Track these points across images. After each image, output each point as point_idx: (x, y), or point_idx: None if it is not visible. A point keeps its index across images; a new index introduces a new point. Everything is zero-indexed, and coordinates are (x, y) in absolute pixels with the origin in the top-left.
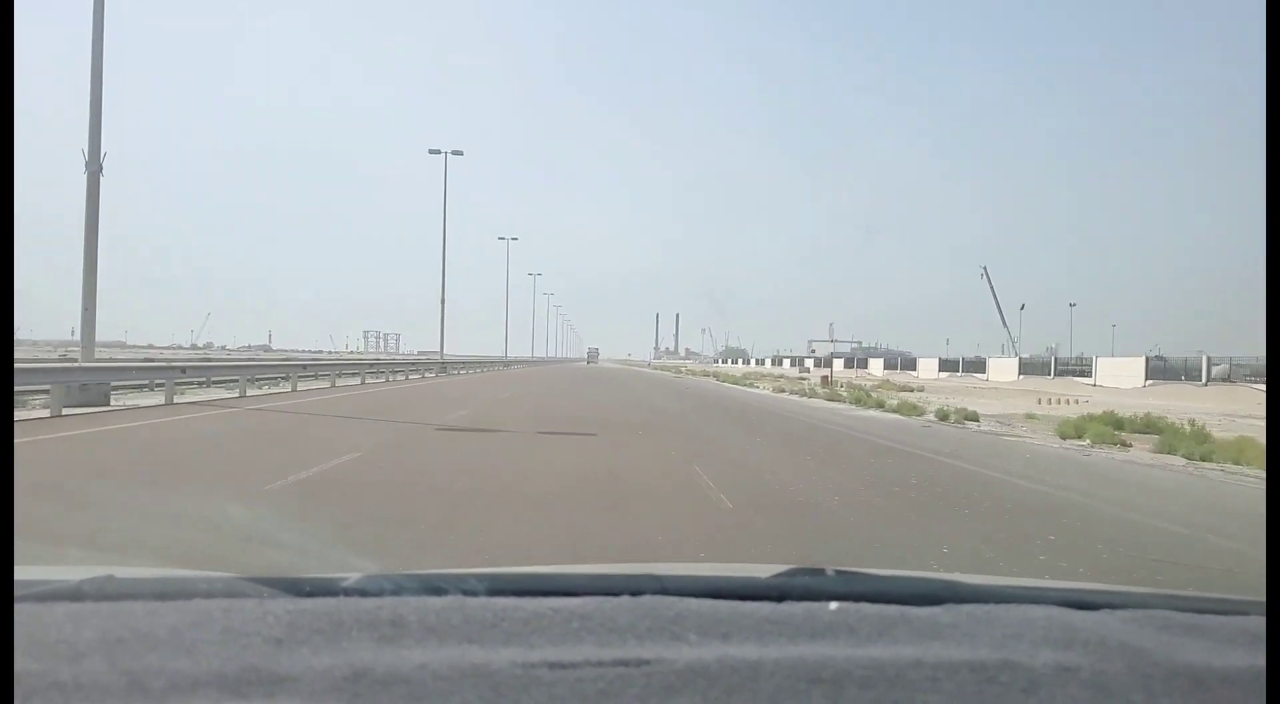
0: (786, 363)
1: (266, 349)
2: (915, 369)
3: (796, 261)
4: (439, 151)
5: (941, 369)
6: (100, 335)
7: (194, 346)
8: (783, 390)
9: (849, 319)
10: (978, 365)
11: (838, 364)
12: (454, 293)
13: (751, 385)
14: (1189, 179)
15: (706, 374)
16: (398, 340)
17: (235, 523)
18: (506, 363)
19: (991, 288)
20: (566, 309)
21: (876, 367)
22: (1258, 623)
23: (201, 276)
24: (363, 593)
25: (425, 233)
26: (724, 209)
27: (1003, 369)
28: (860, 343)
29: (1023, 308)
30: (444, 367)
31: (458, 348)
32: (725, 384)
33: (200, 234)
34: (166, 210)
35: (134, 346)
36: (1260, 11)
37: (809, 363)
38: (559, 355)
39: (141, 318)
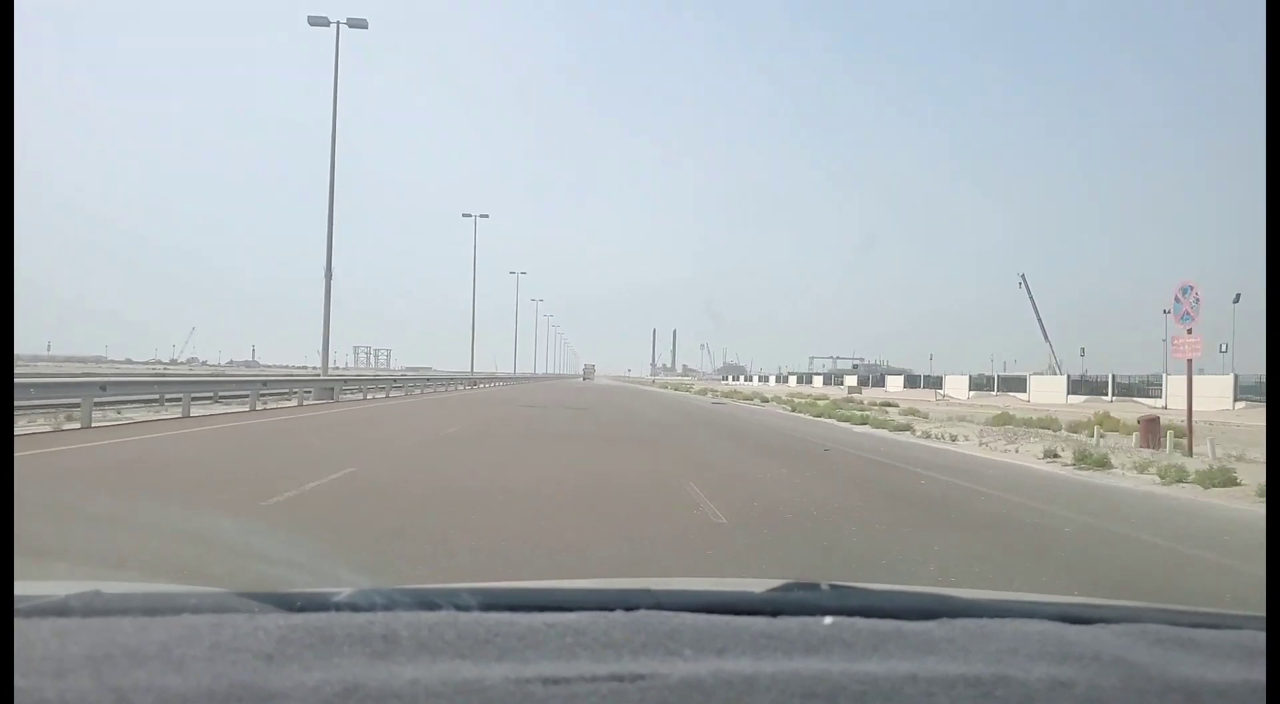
0: (818, 381)
1: (251, 364)
2: (1024, 390)
3: (792, 277)
4: (324, 22)
5: (1073, 391)
6: (81, 350)
7: (173, 362)
8: (1054, 454)
9: (846, 336)
10: (1137, 388)
11: (894, 381)
12: (444, 306)
13: (892, 424)
14: (1222, 188)
15: (741, 395)
16: (389, 356)
17: None
18: (474, 381)
19: (1031, 297)
20: (561, 325)
21: (957, 388)
22: (1252, 637)
23: (192, 292)
24: (354, 608)
25: (428, 252)
26: (723, 225)
27: (1200, 393)
28: (864, 360)
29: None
30: (329, 388)
31: (440, 362)
32: (831, 420)
33: (193, 245)
34: (173, 225)
35: (112, 361)
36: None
37: (850, 380)
38: (552, 371)
39: (131, 333)
